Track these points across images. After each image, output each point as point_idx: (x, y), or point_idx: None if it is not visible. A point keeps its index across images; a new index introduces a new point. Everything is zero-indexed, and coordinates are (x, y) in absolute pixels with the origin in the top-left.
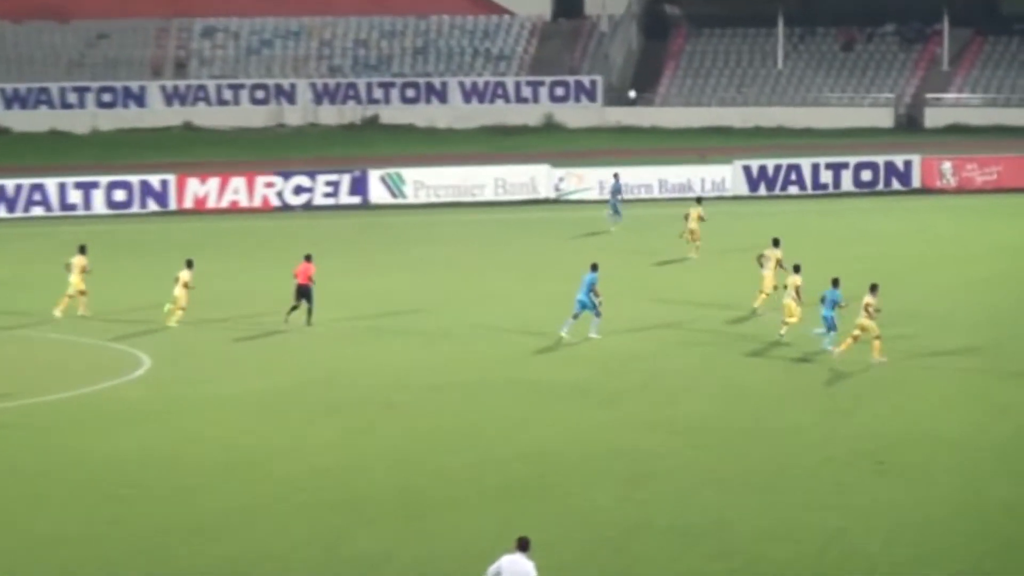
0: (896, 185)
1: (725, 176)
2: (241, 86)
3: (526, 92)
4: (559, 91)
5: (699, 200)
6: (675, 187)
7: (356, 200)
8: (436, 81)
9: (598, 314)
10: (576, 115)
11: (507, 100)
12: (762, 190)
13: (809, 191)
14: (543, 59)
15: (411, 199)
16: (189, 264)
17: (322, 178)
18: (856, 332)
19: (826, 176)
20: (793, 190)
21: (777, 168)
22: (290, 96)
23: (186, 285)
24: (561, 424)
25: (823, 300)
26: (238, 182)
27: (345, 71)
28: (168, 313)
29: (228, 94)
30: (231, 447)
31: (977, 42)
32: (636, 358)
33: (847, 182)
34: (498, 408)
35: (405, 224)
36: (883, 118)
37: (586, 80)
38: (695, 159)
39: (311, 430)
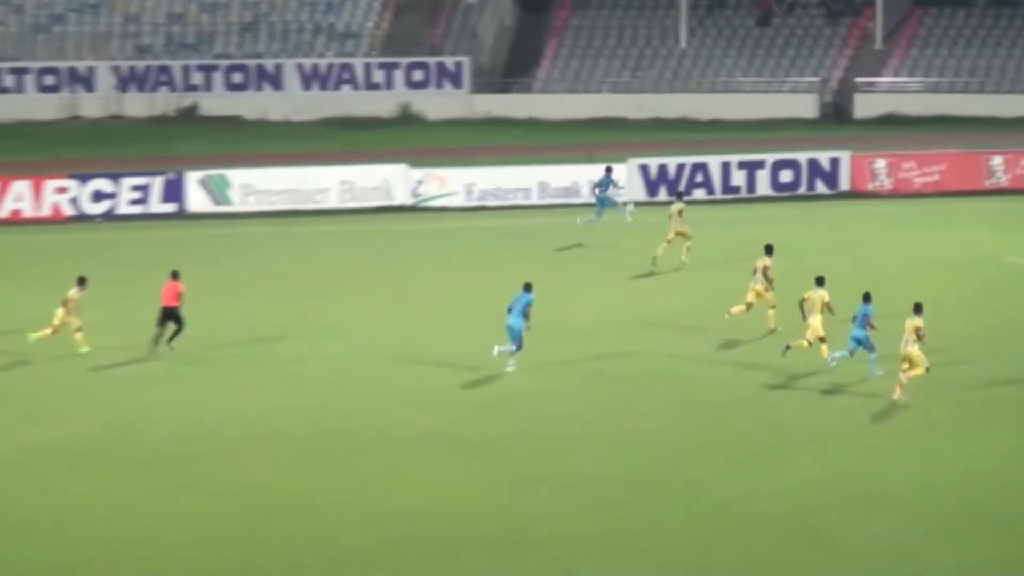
0: (821, 188)
1: (617, 178)
2: (25, 70)
3: (378, 77)
4: (417, 75)
5: (680, 195)
6: (558, 191)
7: (170, 208)
8: (268, 64)
9: (519, 346)
10: (438, 104)
11: (355, 86)
12: (662, 194)
13: (718, 195)
14: (398, 37)
15: (238, 206)
16: (80, 282)
17: (128, 181)
18: (905, 366)
19: (738, 177)
20: (699, 194)
21: (680, 168)
22: (88, 82)
23: (67, 304)
24: (421, 480)
25: (854, 319)
26: (22, 187)
27: (156, 52)
28: (39, 339)
29: (9, 80)
30: (14, 509)
31: (916, 15)
32: (521, 398)
33: (763, 184)
34: (350, 462)
35: (230, 237)
36: (806, 107)
37: (450, 62)
38: (582, 158)
39: (115, 488)
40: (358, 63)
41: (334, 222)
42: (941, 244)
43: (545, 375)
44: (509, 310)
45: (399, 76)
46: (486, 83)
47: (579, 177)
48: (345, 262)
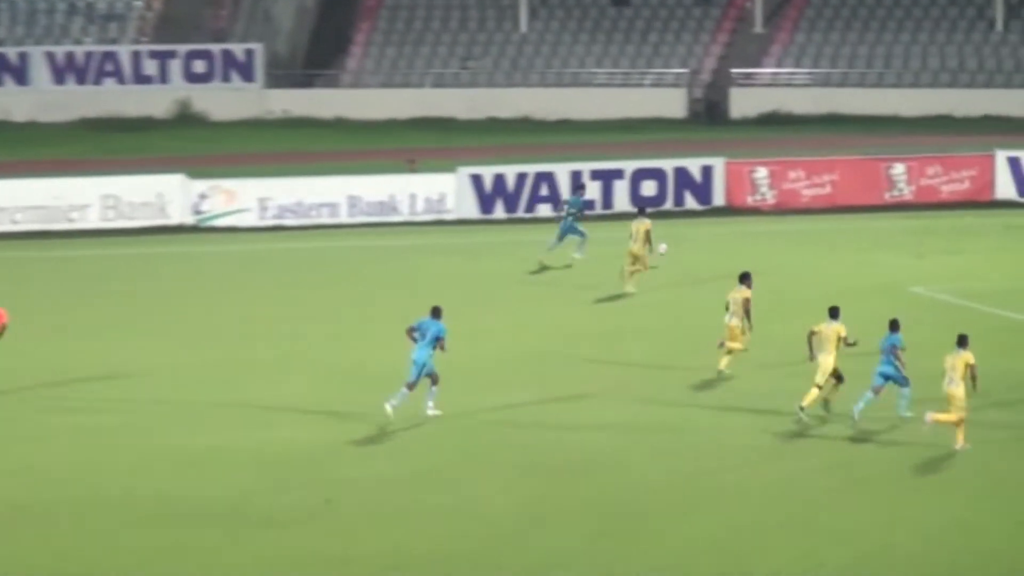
0: (691, 202)
1: (445, 191)
2: None
3: (149, 68)
4: (198, 66)
5: (642, 210)
6: (372, 207)
7: None
8: (11, 52)
9: (435, 379)
10: (224, 102)
11: (120, 80)
12: (499, 210)
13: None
14: (174, 19)
15: None
16: None
17: None
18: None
19: (591, 189)
20: (544, 210)
21: (520, 179)
22: None
23: None
24: (195, 562)
25: (881, 351)
26: None
27: None
28: None
29: None
30: None
31: None
32: (334, 457)
33: (622, 198)
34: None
35: None
36: (672, 104)
37: (239, 50)
38: (401, 166)
39: None
40: (124, 51)
41: (95, 245)
42: (834, 271)
43: (367, 428)
44: (412, 335)
45: (175, 67)
46: (283, 76)
47: (398, 190)
48: (108, 293)
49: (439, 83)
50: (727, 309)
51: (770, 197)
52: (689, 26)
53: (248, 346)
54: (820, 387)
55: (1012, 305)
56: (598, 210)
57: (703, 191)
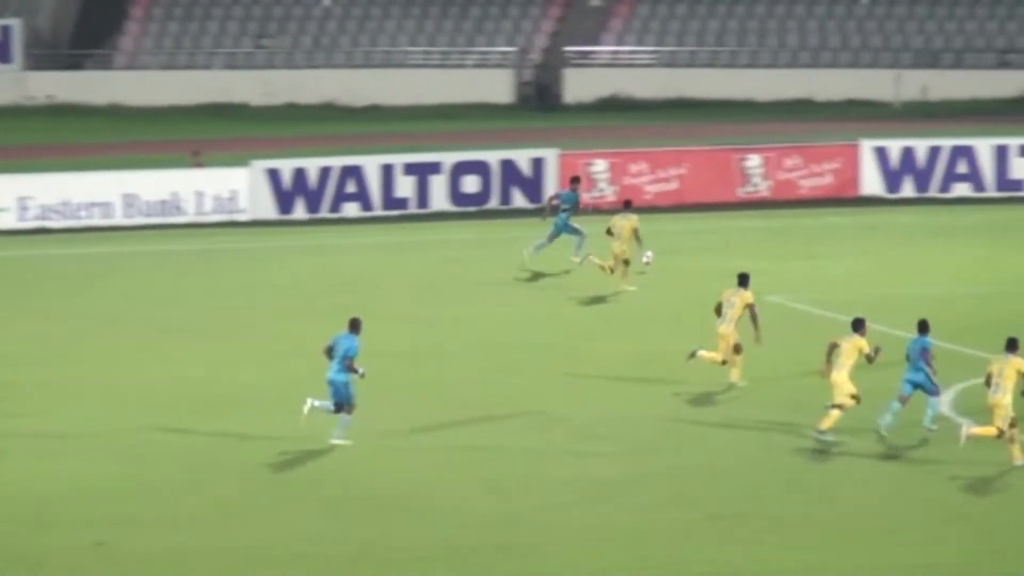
0: (519, 200)
1: (237, 187)
2: None
3: None
4: None
5: (628, 204)
6: (153, 207)
7: None
8: None
9: (347, 408)
10: None
11: None
12: (299, 211)
13: (377, 211)
14: None
15: None
16: None
17: None
18: (1006, 427)
19: (405, 186)
20: (351, 210)
21: (325, 173)
22: None
23: None
24: None
25: (908, 358)
26: None
27: None
28: None
29: None
30: None
31: None
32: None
33: (439, 196)
34: None
35: None
36: (498, 88)
37: None
38: (185, 160)
39: None
40: None
41: None
42: (682, 277)
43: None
44: (329, 354)
45: None
46: (46, 56)
47: (181, 187)
48: None
49: (229, 64)
50: (719, 314)
51: (609, 193)
52: (516, 1)
53: (10, 369)
54: (841, 407)
55: (878, 317)
56: (412, 209)
57: (533, 187)
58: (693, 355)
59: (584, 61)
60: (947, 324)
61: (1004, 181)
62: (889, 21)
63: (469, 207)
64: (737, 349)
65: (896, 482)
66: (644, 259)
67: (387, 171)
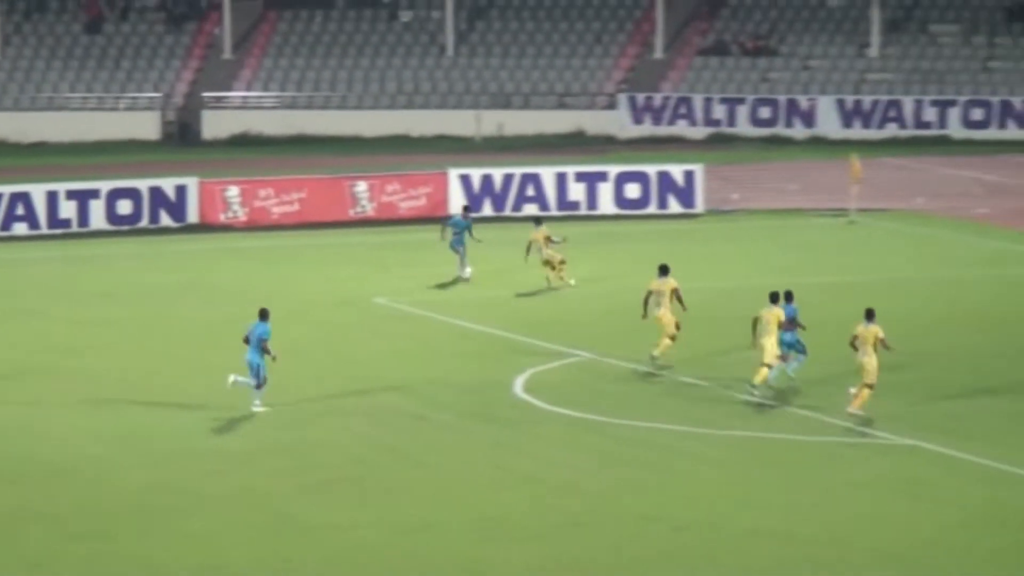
0: (166, 220)
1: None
2: None
3: None
4: None
5: (538, 220)
6: None
7: None
8: None
9: (259, 384)
10: None
11: None
12: None
13: (44, 230)
14: None
15: None
16: None
17: None
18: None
19: (68, 209)
20: (21, 229)
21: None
22: None
23: None
24: None
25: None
26: None
27: None
28: None
29: None
30: None
31: (269, 20)
32: None
33: (98, 217)
34: None
35: None
36: (146, 127)
37: None
38: None
39: None
40: None
41: None
42: (304, 284)
43: None
44: (247, 340)
45: None
46: None
47: None
48: None
49: None
50: (645, 303)
51: (242, 214)
52: (161, 52)
53: None
54: (871, 386)
55: (463, 314)
56: (74, 228)
57: (177, 209)
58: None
59: (219, 104)
60: (519, 318)
61: (564, 202)
62: (470, 70)
63: (125, 226)
64: (678, 326)
65: (479, 446)
66: (466, 274)
67: (52, 197)
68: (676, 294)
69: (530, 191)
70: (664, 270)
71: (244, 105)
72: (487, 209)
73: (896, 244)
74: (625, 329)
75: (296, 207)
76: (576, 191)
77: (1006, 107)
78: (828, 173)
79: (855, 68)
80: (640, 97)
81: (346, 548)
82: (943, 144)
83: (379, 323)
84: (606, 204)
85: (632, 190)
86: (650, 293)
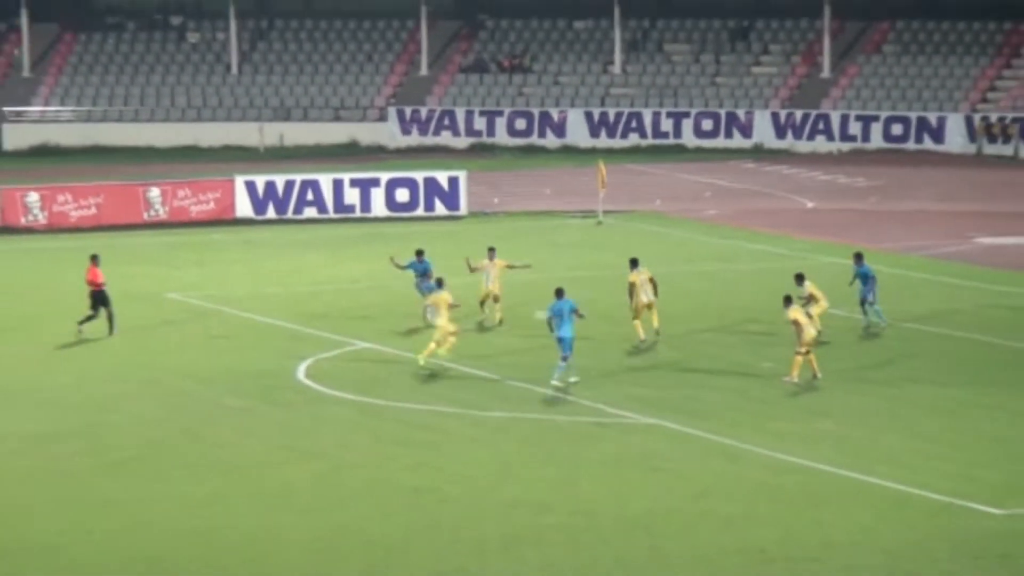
0: None
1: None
2: None
3: None
4: None
5: (492, 250)
6: None
7: None
8: None
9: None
10: None
11: None
12: None
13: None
14: None
15: None
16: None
17: None
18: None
19: None
20: None
21: None
22: None
23: None
24: None
25: (560, 316)
26: None
27: None
28: None
29: None
30: None
31: (66, 41)
32: None
33: None
34: None
35: None
36: None
37: None
38: None
39: None
40: None
41: None
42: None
43: None
44: None
45: None
46: None
47: None
48: None
49: None
50: (631, 293)
51: (42, 218)
52: None
53: None
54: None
55: (250, 308)
56: None
57: None
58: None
59: (19, 118)
60: (302, 312)
61: (341, 205)
62: (253, 86)
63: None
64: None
65: (265, 427)
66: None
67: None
68: (653, 282)
69: (309, 196)
70: (635, 263)
71: (43, 119)
72: (271, 213)
73: (639, 241)
74: (397, 320)
75: (94, 211)
76: (351, 195)
77: (731, 118)
78: (578, 178)
79: (600, 84)
80: (408, 110)
81: (142, 520)
82: (678, 152)
83: (172, 316)
84: (378, 207)
85: (402, 194)
86: (632, 285)
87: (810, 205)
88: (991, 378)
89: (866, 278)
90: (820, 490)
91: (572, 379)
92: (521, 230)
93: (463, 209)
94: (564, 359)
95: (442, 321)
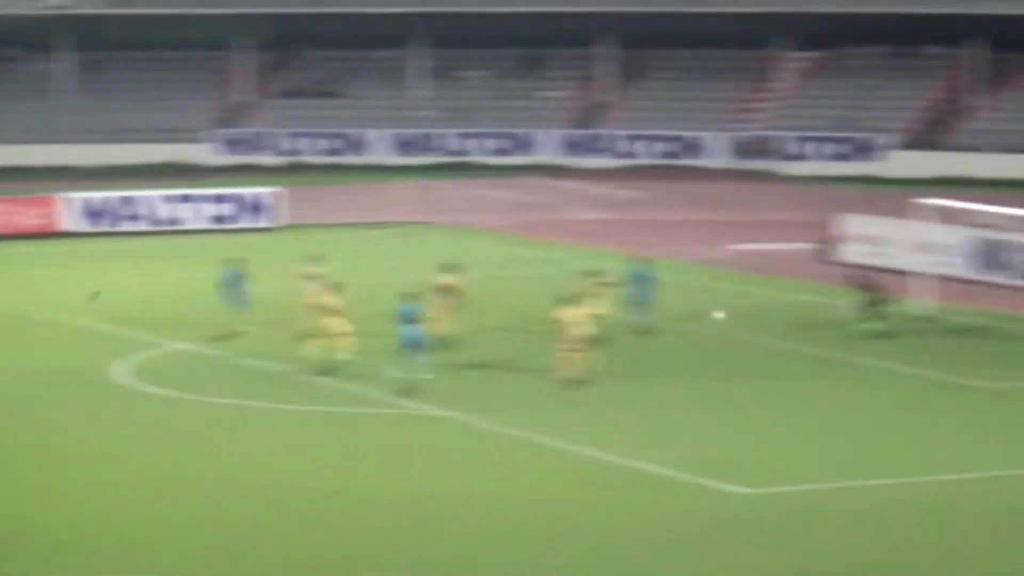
0: None
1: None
2: None
3: None
4: None
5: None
6: None
7: None
8: None
9: None
10: None
11: None
12: None
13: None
14: None
15: None
16: None
17: None
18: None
19: None
20: None
21: None
22: None
23: None
24: None
25: (403, 318)
26: None
27: None
28: None
29: None
30: None
31: None
32: None
33: None
34: None
35: None
36: None
37: None
38: None
39: None
40: None
41: None
42: None
43: None
44: None
45: None
46: None
47: None
48: None
49: None
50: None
51: None
52: None
53: None
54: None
55: (67, 312)
56: None
57: None
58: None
59: None
60: (124, 316)
61: (162, 219)
62: (84, 111)
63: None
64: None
65: (82, 422)
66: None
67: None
68: (454, 287)
69: (133, 211)
70: (446, 268)
71: None
72: (94, 226)
73: (437, 250)
74: (209, 322)
75: None
76: (172, 210)
77: (522, 138)
78: (382, 194)
79: (402, 107)
80: (229, 132)
81: None
82: (473, 169)
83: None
84: (201, 221)
85: (221, 208)
86: (441, 288)
87: (589, 216)
88: (741, 369)
89: (640, 280)
90: (588, 473)
91: (424, 376)
92: (332, 240)
93: (280, 221)
94: (406, 354)
95: (333, 322)
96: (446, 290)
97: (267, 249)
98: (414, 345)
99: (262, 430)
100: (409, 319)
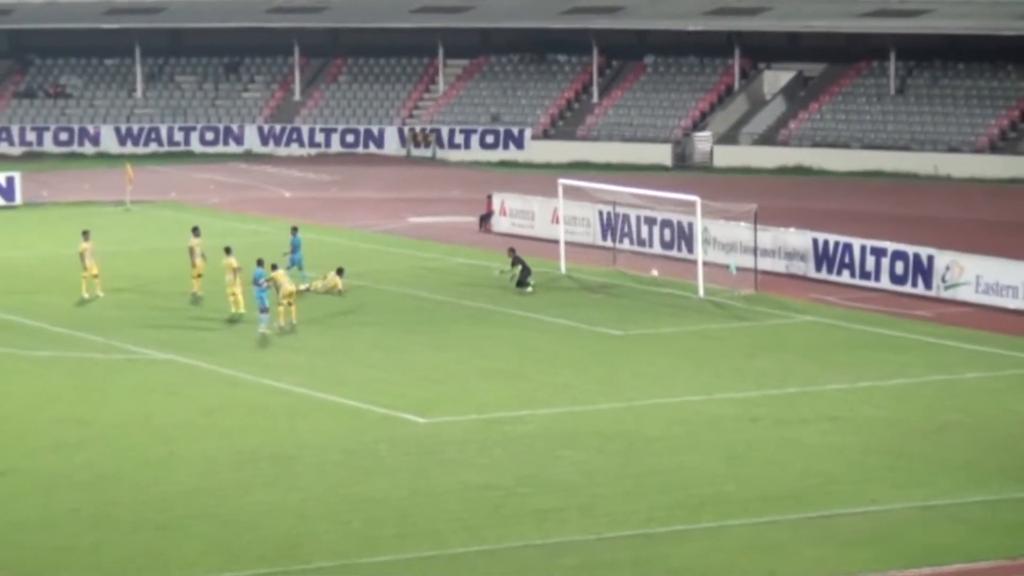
0: None
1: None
2: None
3: None
4: None
5: (195, 230)
6: None
7: None
8: None
9: None
10: None
11: None
12: None
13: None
14: None
15: None
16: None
17: None
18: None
19: None
20: None
21: None
22: None
23: None
24: None
25: (255, 282)
26: None
27: None
28: None
29: None
30: None
31: None
32: None
33: None
34: None
35: None
36: None
37: None
38: None
39: None
40: None
41: None
42: None
43: None
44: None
45: None
46: None
47: None
48: None
49: None
50: (191, 255)
51: None
52: None
53: None
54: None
55: None
56: None
57: None
58: None
59: None
60: None
61: None
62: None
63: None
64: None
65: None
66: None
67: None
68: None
69: None
70: (195, 230)
71: None
72: None
73: (158, 224)
74: None
75: None
76: None
77: (228, 131)
78: (110, 177)
79: (127, 105)
80: None
81: None
82: (188, 156)
83: None
84: None
85: None
86: (191, 249)
87: (288, 195)
88: (418, 321)
89: (297, 246)
90: (297, 406)
91: (263, 330)
92: (66, 216)
93: (18, 200)
94: (264, 311)
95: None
96: (194, 253)
97: (6, 223)
98: (261, 305)
99: (9, 371)
100: (256, 282)
